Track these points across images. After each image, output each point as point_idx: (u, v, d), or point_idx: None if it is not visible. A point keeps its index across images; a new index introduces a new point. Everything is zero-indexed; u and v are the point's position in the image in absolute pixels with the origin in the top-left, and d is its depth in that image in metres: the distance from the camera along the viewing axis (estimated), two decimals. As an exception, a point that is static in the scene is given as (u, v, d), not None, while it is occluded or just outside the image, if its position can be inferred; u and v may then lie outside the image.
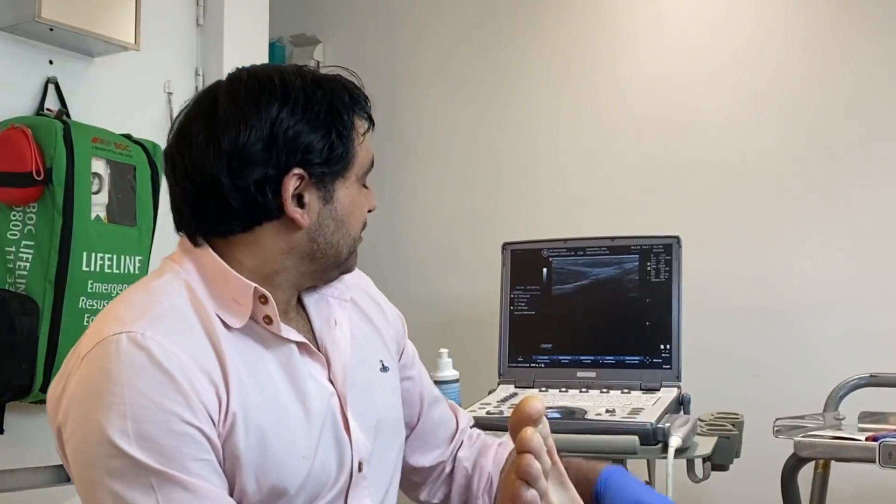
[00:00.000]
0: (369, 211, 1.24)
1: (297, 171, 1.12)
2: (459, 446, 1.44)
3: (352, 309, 1.29)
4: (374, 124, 1.21)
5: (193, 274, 1.13)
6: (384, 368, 1.31)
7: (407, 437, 1.38)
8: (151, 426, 0.99)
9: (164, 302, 1.09)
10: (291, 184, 1.12)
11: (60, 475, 2.14)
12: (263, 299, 1.12)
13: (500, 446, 1.42)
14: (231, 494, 1.06)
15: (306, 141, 1.12)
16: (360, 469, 1.19)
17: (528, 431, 0.87)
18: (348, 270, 1.24)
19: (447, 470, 1.43)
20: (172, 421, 1.00)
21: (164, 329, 1.04)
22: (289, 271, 1.17)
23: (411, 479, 1.44)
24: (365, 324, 1.32)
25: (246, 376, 1.08)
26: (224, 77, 1.19)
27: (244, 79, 1.15)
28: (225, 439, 1.05)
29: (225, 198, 1.11)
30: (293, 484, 1.10)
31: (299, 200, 1.14)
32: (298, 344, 1.16)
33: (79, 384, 1.03)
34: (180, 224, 1.17)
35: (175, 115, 1.21)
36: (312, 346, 1.19)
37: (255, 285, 1.11)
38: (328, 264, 1.19)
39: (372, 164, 1.22)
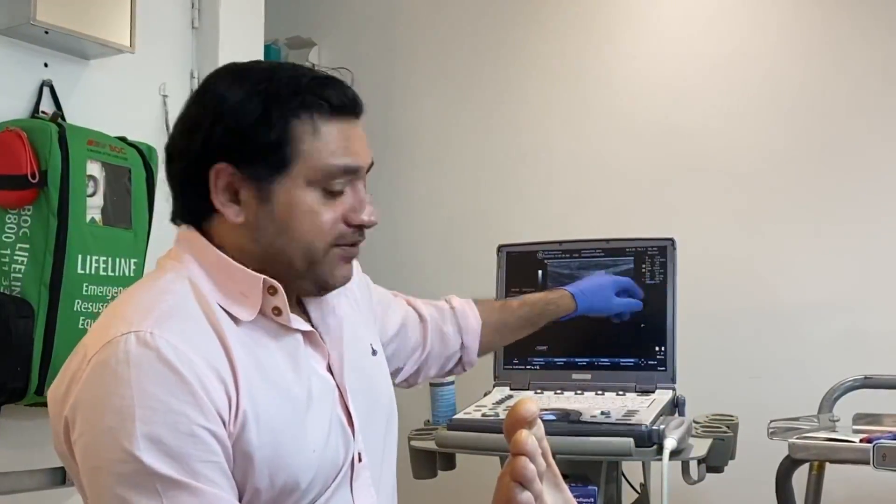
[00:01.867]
0: (357, 225, 1.16)
1: (222, 164, 1.10)
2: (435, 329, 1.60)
3: (343, 295, 1.28)
4: (348, 124, 1.14)
5: (196, 270, 1.12)
6: (374, 352, 1.31)
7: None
8: (161, 427, 0.98)
9: (168, 300, 1.08)
10: (217, 176, 1.10)
11: (56, 477, 2.14)
12: (272, 290, 1.11)
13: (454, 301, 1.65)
14: (242, 494, 1.06)
15: (238, 133, 1.09)
16: (360, 459, 1.19)
17: (523, 433, 0.87)
18: (325, 287, 1.18)
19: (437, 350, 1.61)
20: (182, 422, 0.99)
21: (172, 327, 1.03)
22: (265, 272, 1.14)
23: (414, 378, 1.60)
24: (354, 309, 1.31)
25: (254, 372, 1.08)
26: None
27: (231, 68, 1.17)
28: (236, 438, 1.04)
29: (173, 183, 1.15)
30: (305, 478, 1.10)
31: (236, 196, 1.11)
32: (304, 333, 1.16)
33: (87, 386, 1.02)
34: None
35: (169, 117, 1.22)
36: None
37: (264, 277, 1.10)
38: (283, 272, 1.13)
39: (344, 172, 1.13)
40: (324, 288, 1.18)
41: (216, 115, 1.10)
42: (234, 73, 1.14)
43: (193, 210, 1.15)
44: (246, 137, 1.09)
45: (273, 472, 1.07)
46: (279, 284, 1.11)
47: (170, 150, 1.15)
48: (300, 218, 1.11)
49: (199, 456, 1.00)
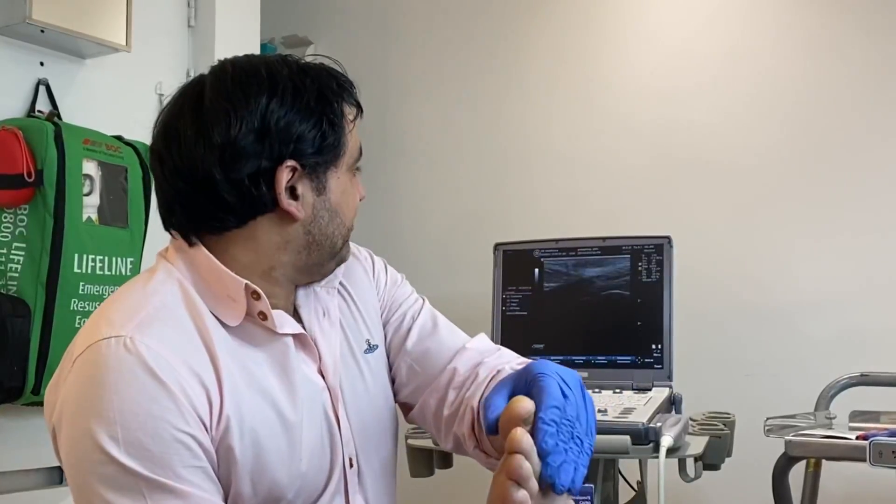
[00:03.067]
0: (360, 199, 1.22)
1: (290, 162, 1.10)
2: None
3: (338, 293, 1.26)
4: (362, 111, 1.19)
5: (186, 273, 1.11)
6: (370, 349, 1.28)
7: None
8: (141, 433, 0.98)
9: (155, 303, 1.07)
10: (284, 176, 1.10)
11: (53, 477, 2.15)
12: (255, 295, 1.10)
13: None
14: (227, 496, 1.05)
15: (298, 131, 1.10)
16: (350, 465, 1.19)
17: (518, 432, 0.87)
18: (343, 261, 1.22)
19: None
20: (163, 428, 0.98)
21: (155, 332, 1.03)
22: (285, 266, 1.14)
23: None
24: (350, 305, 1.29)
25: (240, 378, 1.07)
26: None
27: (229, 71, 1.13)
28: (219, 441, 1.04)
29: (218, 193, 1.09)
30: (290, 489, 1.09)
31: (293, 192, 1.11)
32: (295, 336, 1.15)
33: (70, 388, 1.02)
34: (170, 222, 1.15)
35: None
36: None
37: (246, 282, 1.09)
38: (324, 256, 1.17)
39: (361, 152, 1.20)
40: (340, 263, 1.22)
41: (265, 125, 1.09)
42: (270, 78, 1.12)
43: (226, 216, 1.11)
44: (307, 138, 1.11)
45: (255, 480, 1.06)
46: (261, 290, 1.10)
47: (209, 159, 1.09)
48: (347, 202, 1.18)
49: (182, 461, 0.99)
